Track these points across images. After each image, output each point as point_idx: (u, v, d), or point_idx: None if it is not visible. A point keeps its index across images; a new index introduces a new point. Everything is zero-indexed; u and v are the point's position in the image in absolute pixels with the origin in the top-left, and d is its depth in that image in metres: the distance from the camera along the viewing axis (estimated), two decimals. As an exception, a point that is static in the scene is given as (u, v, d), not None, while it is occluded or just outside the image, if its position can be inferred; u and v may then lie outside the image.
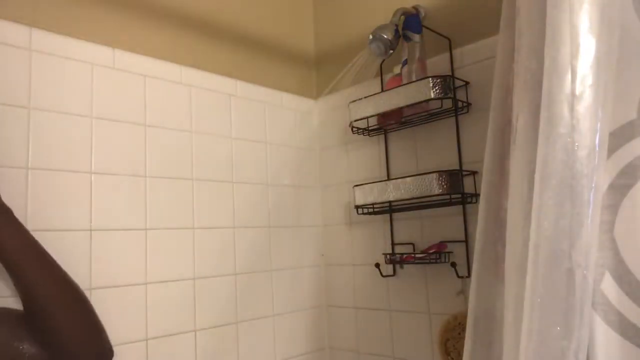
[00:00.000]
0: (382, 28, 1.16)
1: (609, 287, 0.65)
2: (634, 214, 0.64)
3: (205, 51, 1.28)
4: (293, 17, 1.55)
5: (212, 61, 1.29)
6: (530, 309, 0.64)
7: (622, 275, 0.64)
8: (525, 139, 0.70)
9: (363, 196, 1.25)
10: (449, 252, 1.17)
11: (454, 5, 1.23)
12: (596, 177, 0.63)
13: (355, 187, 1.27)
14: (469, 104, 1.16)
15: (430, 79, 1.12)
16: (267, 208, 1.37)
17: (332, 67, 1.51)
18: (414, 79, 1.18)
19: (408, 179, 1.14)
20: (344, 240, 1.44)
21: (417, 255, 1.20)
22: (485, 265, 0.84)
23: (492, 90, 0.85)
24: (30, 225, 0.91)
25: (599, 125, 0.63)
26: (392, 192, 1.17)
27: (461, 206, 1.16)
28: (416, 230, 1.27)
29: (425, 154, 1.26)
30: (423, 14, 1.24)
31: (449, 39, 1.21)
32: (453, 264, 1.12)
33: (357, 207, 1.27)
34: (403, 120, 1.25)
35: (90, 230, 1.01)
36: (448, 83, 1.13)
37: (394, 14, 1.19)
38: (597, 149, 0.63)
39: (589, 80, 0.64)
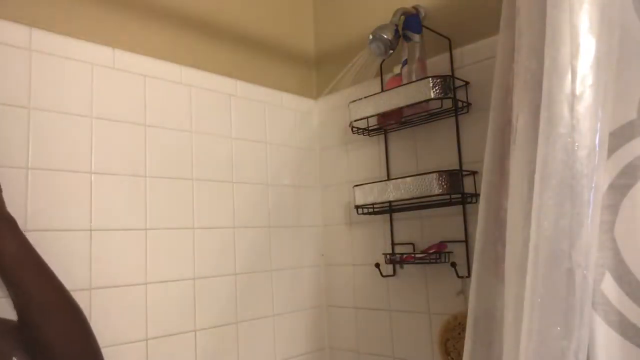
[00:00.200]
0: (382, 28, 1.16)
1: (609, 287, 0.65)
2: (634, 214, 0.64)
3: (205, 51, 1.28)
4: (293, 17, 1.55)
5: (212, 61, 1.29)
6: (530, 309, 0.64)
7: (623, 275, 0.64)
8: (525, 139, 0.70)
9: (363, 196, 1.25)
10: (449, 252, 1.17)
11: (454, 5, 1.22)
12: (596, 177, 0.63)
13: (355, 187, 1.27)
14: (469, 104, 1.16)
15: (430, 79, 1.12)
16: (267, 208, 1.37)
17: (332, 67, 1.51)
18: (414, 79, 1.18)
19: (408, 179, 1.14)
20: (344, 240, 1.44)
21: (417, 255, 1.20)
22: (485, 265, 0.84)
23: (492, 90, 0.85)
24: (30, 225, 0.92)
25: (599, 125, 0.63)
26: (392, 192, 1.17)
27: (461, 206, 1.16)
28: (416, 230, 1.27)
29: (425, 154, 1.26)
30: (423, 14, 1.24)
31: (449, 39, 1.21)
32: (453, 264, 1.12)
33: (357, 207, 1.27)
34: (403, 120, 1.25)
35: (90, 230, 1.01)
36: (448, 83, 1.13)
37: (394, 14, 1.19)
38: (597, 149, 0.63)
39: (589, 80, 0.64)
